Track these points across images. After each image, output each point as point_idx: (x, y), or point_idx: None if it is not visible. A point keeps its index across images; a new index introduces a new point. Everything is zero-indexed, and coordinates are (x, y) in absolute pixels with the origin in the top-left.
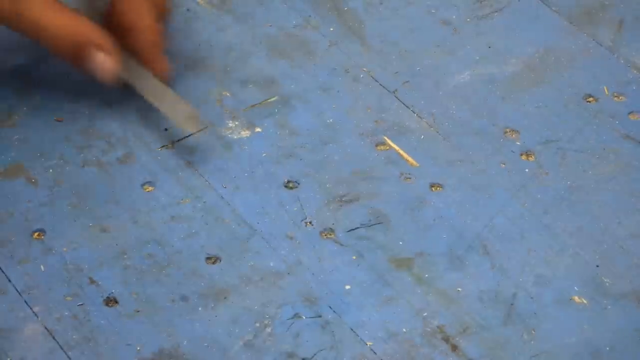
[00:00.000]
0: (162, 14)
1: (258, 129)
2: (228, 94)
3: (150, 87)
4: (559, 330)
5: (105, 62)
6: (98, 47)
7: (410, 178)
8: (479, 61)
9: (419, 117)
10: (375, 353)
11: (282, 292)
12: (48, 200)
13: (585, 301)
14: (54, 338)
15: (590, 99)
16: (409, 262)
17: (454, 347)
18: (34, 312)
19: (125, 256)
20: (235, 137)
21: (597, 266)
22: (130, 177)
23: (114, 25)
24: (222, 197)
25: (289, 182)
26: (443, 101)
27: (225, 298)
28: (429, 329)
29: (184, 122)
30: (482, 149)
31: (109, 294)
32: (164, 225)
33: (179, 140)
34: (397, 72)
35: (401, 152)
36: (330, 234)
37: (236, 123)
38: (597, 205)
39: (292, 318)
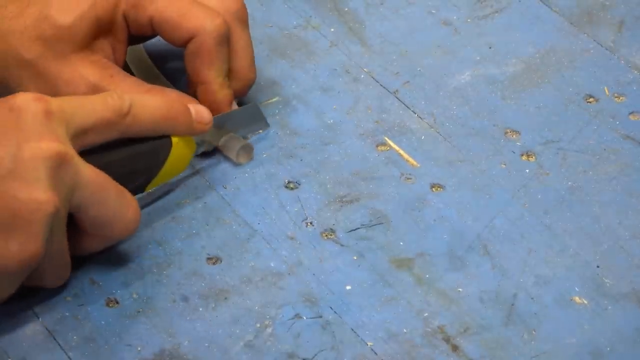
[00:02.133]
0: (244, 82)
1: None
2: None
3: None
4: (560, 330)
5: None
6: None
7: (410, 178)
8: (479, 61)
9: (419, 117)
10: (375, 353)
11: (282, 293)
12: None
13: (585, 301)
14: (54, 338)
15: (591, 99)
16: (409, 262)
17: (455, 348)
18: (34, 312)
19: (125, 256)
20: None
21: (598, 266)
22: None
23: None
24: (222, 198)
25: (289, 182)
26: (443, 101)
27: (225, 298)
28: (429, 329)
29: (237, 154)
30: (483, 149)
31: (110, 295)
32: (165, 226)
33: None
34: (397, 73)
35: (402, 152)
36: (330, 235)
37: None
38: (597, 206)
39: (293, 318)
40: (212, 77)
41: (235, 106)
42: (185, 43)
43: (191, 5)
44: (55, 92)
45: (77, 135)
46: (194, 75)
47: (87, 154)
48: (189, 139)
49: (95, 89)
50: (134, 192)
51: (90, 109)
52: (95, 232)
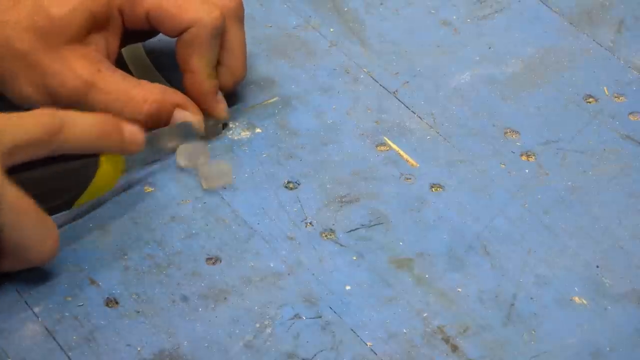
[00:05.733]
0: (235, 78)
1: (258, 130)
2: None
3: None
4: (559, 330)
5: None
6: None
7: (410, 178)
8: (479, 61)
9: (419, 117)
10: (375, 353)
11: (282, 293)
12: None
13: (585, 301)
14: (54, 339)
15: (591, 99)
16: (409, 262)
17: (454, 348)
18: (34, 312)
19: (125, 256)
20: (236, 137)
21: (597, 266)
22: (131, 177)
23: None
24: (222, 198)
25: (289, 182)
26: (443, 101)
27: (225, 299)
28: (429, 330)
29: (214, 179)
30: (483, 149)
31: (109, 295)
32: (164, 226)
33: None
34: (397, 73)
35: (401, 152)
36: (330, 235)
37: (236, 123)
38: (597, 206)
39: (293, 318)
40: (202, 67)
41: (220, 96)
42: (180, 33)
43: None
44: (44, 84)
45: (6, 154)
46: (183, 64)
47: (14, 170)
48: (118, 157)
49: (83, 83)
50: (60, 208)
51: (22, 127)
52: (12, 254)
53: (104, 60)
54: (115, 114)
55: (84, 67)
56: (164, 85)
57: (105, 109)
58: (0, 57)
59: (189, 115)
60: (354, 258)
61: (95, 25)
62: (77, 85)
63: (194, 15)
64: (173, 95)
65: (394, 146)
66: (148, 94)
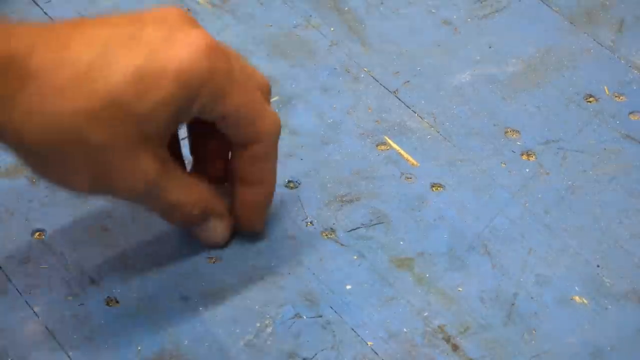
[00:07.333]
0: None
1: None
2: None
3: None
4: (560, 330)
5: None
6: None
7: (410, 178)
8: (479, 61)
9: (419, 117)
10: (376, 353)
11: (282, 292)
12: (49, 200)
13: (585, 301)
14: (54, 338)
15: (591, 99)
16: (409, 262)
17: (455, 347)
18: (34, 311)
19: (125, 256)
20: None
21: (598, 266)
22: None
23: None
24: None
25: (289, 182)
26: (444, 101)
27: (225, 298)
28: (429, 329)
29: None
30: (483, 149)
31: (110, 294)
32: (165, 224)
33: None
34: (397, 72)
35: (402, 152)
36: (331, 234)
37: None
38: (597, 205)
39: (293, 318)
40: (274, 178)
41: None
42: (247, 143)
43: (262, 105)
44: (106, 179)
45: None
46: (249, 175)
47: None
48: None
49: (148, 183)
50: None
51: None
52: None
53: (169, 158)
54: (164, 212)
55: (154, 167)
56: (211, 189)
57: (159, 207)
58: (64, 147)
59: (220, 228)
60: (355, 257)
61: (176, 122)
62: (141, 186)
63: (269, 127)
64: (218, 204)
65: (394, 145)
66: (197, 199)
